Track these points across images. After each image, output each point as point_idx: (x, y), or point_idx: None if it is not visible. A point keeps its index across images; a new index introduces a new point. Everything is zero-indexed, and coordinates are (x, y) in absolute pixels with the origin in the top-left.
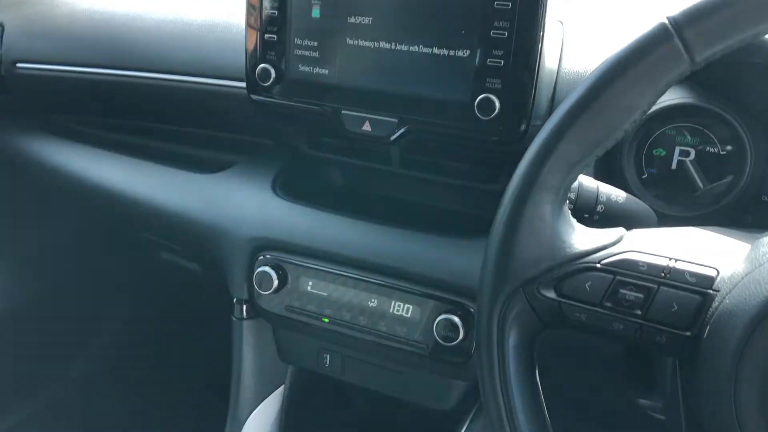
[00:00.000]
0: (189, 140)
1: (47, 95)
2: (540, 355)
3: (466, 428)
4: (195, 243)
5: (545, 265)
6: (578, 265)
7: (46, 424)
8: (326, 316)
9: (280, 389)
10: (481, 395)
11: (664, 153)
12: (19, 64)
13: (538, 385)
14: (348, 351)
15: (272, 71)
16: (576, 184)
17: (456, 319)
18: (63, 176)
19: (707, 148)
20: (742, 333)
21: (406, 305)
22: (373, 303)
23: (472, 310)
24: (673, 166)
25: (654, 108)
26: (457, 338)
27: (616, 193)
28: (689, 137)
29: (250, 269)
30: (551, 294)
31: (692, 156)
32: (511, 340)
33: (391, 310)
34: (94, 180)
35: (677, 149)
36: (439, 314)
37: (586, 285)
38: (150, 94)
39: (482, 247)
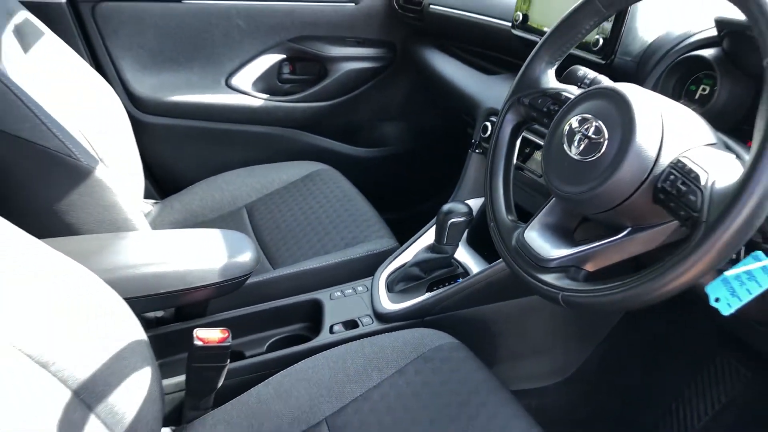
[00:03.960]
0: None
1: (440, 26)
2: None
3: None
4: (468, 108)
5: (530, 90)
6: (545, 93)
7: None
8: None
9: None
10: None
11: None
12: (431, 6)
13: (513, 153)
14: None
15: None
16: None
17: None
18: (433, 72)
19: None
20: None
21: None
22: None
23: None
24: None
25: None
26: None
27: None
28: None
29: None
30: (527, 101)
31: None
32: (508, 121)
33: None
34: (444, 74)
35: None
36: None
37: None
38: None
39: None
